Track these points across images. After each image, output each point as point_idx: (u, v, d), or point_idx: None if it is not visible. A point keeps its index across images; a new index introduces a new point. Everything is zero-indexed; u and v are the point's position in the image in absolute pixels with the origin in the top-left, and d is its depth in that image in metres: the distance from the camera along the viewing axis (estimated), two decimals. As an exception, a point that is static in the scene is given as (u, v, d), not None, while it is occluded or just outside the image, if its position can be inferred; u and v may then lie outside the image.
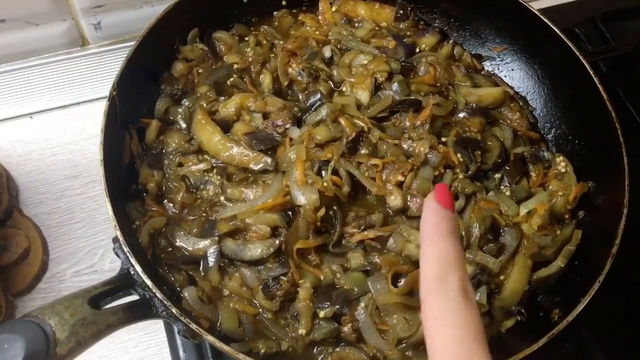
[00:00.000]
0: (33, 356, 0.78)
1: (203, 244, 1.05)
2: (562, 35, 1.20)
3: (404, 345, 0.99)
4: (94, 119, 1.41)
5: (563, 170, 1.18)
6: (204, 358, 1.12)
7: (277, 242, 1.02)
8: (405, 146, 1.14)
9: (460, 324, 0.58)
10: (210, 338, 0.89)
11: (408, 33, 1.35)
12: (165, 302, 0.89)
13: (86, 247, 1.27)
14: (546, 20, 1.22)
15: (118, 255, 0.94)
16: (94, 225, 1.29)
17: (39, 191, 1.33)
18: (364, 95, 1.21)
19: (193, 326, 0.89)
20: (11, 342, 0.78)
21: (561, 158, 1.20)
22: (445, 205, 0.65)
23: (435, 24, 1.40)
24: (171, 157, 1.14)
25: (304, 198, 1.03)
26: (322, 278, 1.03)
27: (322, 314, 1.00)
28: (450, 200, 0.65)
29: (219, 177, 1.11)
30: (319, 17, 1.38)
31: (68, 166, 1.36)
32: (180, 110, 1.19)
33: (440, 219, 0.63)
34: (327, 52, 1.27)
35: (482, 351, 0.57)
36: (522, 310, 1.05)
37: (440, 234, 0.62)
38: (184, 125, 1.17)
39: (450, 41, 1.37)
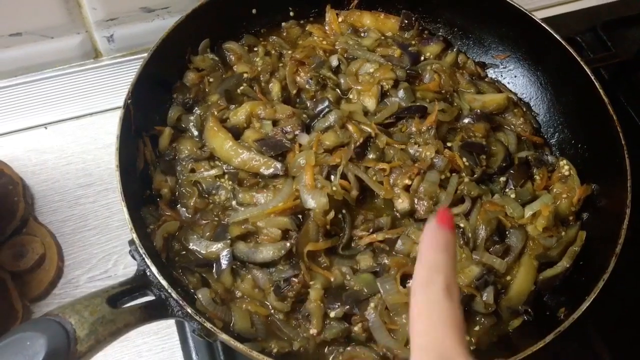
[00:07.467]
0: (54, 353, 0.80)
1: (216, 247, 1.07)
2: (563, 43, 1.22)
3: (413, 344, 1.01)
4: (106, 128, 1.44)
5: (567, 173, 1.20)
6: (216, 360, 1.14)
7: (288, 244, 1.04)
8: (411, 151, 1.16)
9: (439, 317, 0.62)
10: (224, 336, 0.91)
11: (413, 42, 1.38)
12: (181, 302, 0.91)
13: (100, 253, 1.29)
14: (548, 28, 1.24)
15: (134, 257, 0.97)
16: (107, 232, 1.31)
17: (54, 199, 1.35)
18: (370, 102, 1.24)
19: (208, 325, 0.91)
20: (33, 340, 0.80)
21: (565, 162, 1.22)
22: (444, 226, 0.68)
23: (439, 33, 1.43)
24: (184, 163, 1.17)
25: (313, 202, 1.05)
26: (332, 279, 1.05)
27: (332, 314, 1.01)
28: (451, 222, 0.69)
29: (230, 182, 1.14)
30: (326, 28, 1.41)
31: (82, 175, 1.38)
32: (192, 118, 1.22)
33: (437, 236, 0.67)
34: (334, 61, 1.30)
35: (458, 343, 0.60)
36: (529, 310, 1.07)
37: (434, 248, 0.66)
38: (195, 133, 1.20)
39: (454, 49, 1.39)
